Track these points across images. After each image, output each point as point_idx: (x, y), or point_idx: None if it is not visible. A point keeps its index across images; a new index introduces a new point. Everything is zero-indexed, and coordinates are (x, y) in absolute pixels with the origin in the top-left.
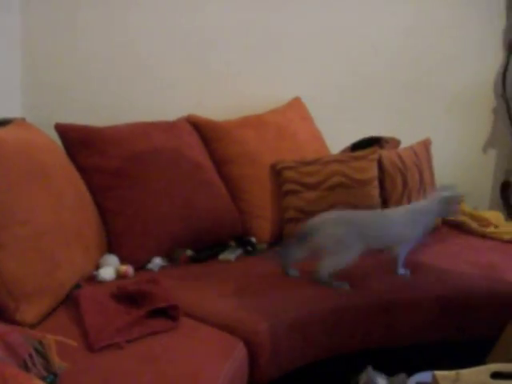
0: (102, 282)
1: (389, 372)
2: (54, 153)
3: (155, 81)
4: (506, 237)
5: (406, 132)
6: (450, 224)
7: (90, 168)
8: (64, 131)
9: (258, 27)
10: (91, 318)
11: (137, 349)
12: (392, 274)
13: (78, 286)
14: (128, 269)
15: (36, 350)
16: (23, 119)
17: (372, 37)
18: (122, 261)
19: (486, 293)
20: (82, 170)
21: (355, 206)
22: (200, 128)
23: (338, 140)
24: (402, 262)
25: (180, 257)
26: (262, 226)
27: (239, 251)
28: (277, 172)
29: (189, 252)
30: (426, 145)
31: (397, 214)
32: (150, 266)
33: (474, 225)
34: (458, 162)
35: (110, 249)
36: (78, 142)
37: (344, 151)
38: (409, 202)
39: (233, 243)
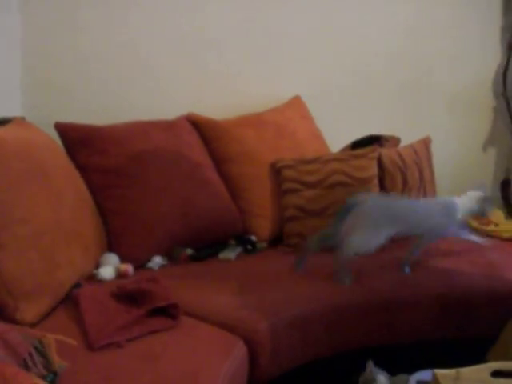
0: (101, 281)
1: (389, 370)
2: (54, 152)
3: (155, 80)
4: (506, 235)
5: (406, 131)
6: None
7: (89, 167)
8: (64, 130)
9: (258, 27)
10: (91, 316)
11: (137, 347)
12: (392, 273)
13: (77, 285)
14: (128, 268)
15: (36, 349)
16: (23, 118)
17: (372, 37)
18: (122, 260)
19: (486, 291)
20: (81, 169)
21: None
22: (200, 127)
23: (338, 139)
24: (416, 253)
25: (180, 255)
26: (262, 225)
27: (239, 250)
28: (276, 171)
29: (189, 251)
30: (426, 143)
31: (435, 205)
32: (149, 264)
33: (473, 223)
34: (458, 161)
35: (110, 248)
36: (78, 141)
37: (344, 150)
38: None
39: (233, 242)
